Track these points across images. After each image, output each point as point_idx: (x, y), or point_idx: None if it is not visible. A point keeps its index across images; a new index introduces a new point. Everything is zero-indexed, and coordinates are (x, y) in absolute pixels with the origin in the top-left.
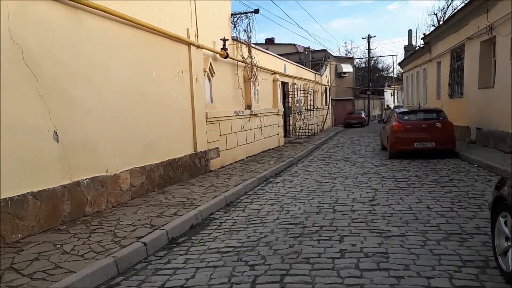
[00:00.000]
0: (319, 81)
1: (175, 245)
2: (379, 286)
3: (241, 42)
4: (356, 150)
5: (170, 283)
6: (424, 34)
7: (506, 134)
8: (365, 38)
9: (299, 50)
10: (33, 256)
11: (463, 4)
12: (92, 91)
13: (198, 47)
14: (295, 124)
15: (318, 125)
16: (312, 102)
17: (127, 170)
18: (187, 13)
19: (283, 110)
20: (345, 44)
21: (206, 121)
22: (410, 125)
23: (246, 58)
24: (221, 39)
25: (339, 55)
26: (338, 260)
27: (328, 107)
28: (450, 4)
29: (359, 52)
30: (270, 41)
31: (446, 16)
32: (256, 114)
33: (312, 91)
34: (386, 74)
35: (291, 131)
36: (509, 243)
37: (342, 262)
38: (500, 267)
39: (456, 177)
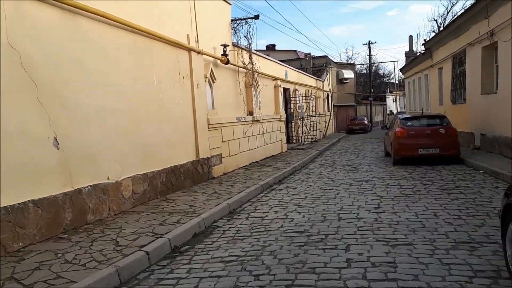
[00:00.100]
0: (321, 87)
1: (178, 254)
2: None
3: (242, 48)
4: (360, 156)
5: None
6: (424, 40)
7: (511, 140)
8: (366, 44)
9: (300, 57)
10: (34, 266)
11: (463, 10)
12: (92, 97)
13: (198, 53)
14: (298, 130)
15: (320, 131)
16: (314, 108)
17: (129, 177)
18: (188, 19)
19: (285, 116)
20: (346, 50)
21: (208, 128)
22: (414, 131)
23: (247, 64)
24: (221, 45)
25: (340, 61)
26: (345, 270)
27: (330, 113)
28: (450, 10)
29: (360, 58)
30: (271, 48)
31: (446, 22)
32: (258, 120)
33: (313, 97)
34: (387, 80)
35: (293, 137)
36: None
37: (349, 272)
38: None
39: (462, 183)
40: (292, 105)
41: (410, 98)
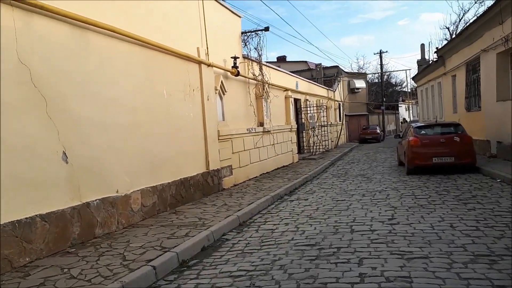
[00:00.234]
0: (332, 97)
1: (185, 268)
2: None
3: (252, 60)
4: (373, 166)
5: None
6: (437, 48)
7: None
8: (377, 53)
9: (311, 67)
10: (40, 281)
11: (476, 17)
12: (101, 111)
13: (209, 65)
14: (309, 140)
15: (332, 141)
16: (325, 118)
17: (138, 190)
18: (197, 32)
19: (296, 126)
20: (357, 60)
21: (218, 139)
22: (428, 139)
23: (257, 75)
24: (231, 57)
25: (351, 71)
26: (358, 285)
27: (342, 122)
28: (462, 18)
29: (371, 67)
30: (281, 59)
31: (459, 30)
32: (269, 131)
33: (325, 107)
34: (399, 89)
35: (305, 147)
36: None
37: (362, 287)
38: None
39: (479, 193)
40: (303, 115)
41: (423, 106)
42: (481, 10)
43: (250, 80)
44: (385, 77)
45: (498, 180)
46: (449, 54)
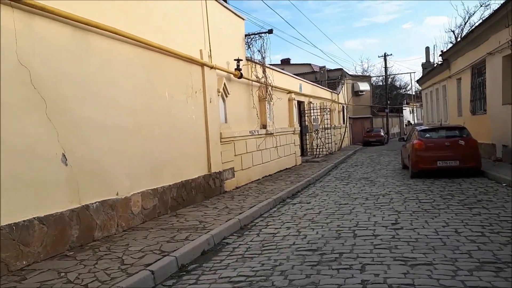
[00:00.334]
0: (336, 100)
1: (184, 273)
2: None
3: (256, 62)
4: (376, 169)
5: None
6: (442, 51)
7: None
8: (381, 56)
9: (315, 70)
10: (36, 286)
11: (481, 20)
12: (102, 112)
13: (211, 67)
14: (312, 143)
15: (336, 144)
16: (329, 120)
17: (138, 193)
18: (201, 34)
19: (299, 129)
20: (361, 62)
21: (221, 141)
22: (432, 143)
23: (260, 78)
24: (235, 60)
25: (356, 74)
26: None
27: (346, 125)
28: (467, 21)
29: (375, 70)
30: (285, 62)
31: (464, 33)
32: (272, 134)
33: (328, 109)
34: (404, 91)
35: (308, 150)
36: None
37: None
38: None
39: (484, 197)
40: (306, 117)
41: (428, 109)
42: (487, 13)
43: (253, 82)
44: (390, 80)
45: (504, 185)
46: (454, 57)
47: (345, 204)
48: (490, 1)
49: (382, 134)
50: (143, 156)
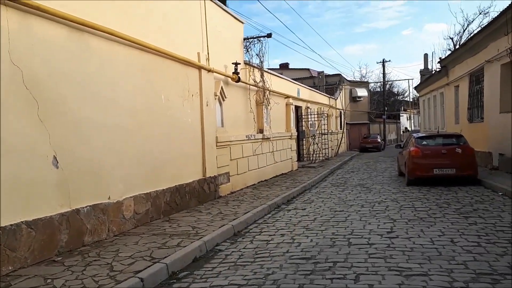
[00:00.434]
0: (334, 105)
1: (175, 280)
2: None
3: (254, 66)
4: (372, 175)
5: None
6: (440, 58)
7: None
8: (380, 62)
9: (313, 75)
10: None
11: (480, 28)
12: (97, 114)
13: (209, 71)
14: (309, 148)
15: (332, 149)
16: (326, 126)
17: (131, 197)
18: (199, 37)
19: (296, 134)
20: (360, 68)
21: (217, 146)
22: (429, 150)
23: (258, 82)
24: (233, 63)
25: (354, 79)
26: None
27: (343, 131)
28: (466, 29)
29: (373, 76)
30: (284, 66)
31: (463, 40)
32: (269, 138)
33: (326, 115)
34: (401, 98)
35: (304, 155)
36: None
37: None
38: None
39: (480, 206)
40: (304, 122)
41: (425, 116)
42: (486, 21)
43: (251, 86)
44: (387, 86)
45: (500, 194)
46: (453, 64)
47: (340, 211)
48: (489, 9)
49: (379, 140)
50: (136, 159)
